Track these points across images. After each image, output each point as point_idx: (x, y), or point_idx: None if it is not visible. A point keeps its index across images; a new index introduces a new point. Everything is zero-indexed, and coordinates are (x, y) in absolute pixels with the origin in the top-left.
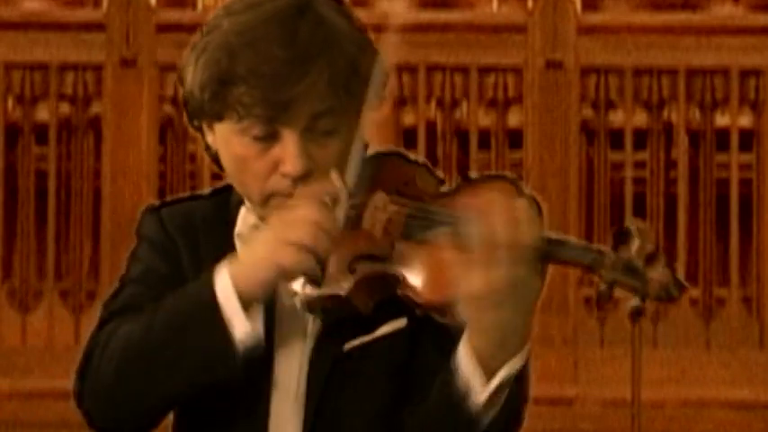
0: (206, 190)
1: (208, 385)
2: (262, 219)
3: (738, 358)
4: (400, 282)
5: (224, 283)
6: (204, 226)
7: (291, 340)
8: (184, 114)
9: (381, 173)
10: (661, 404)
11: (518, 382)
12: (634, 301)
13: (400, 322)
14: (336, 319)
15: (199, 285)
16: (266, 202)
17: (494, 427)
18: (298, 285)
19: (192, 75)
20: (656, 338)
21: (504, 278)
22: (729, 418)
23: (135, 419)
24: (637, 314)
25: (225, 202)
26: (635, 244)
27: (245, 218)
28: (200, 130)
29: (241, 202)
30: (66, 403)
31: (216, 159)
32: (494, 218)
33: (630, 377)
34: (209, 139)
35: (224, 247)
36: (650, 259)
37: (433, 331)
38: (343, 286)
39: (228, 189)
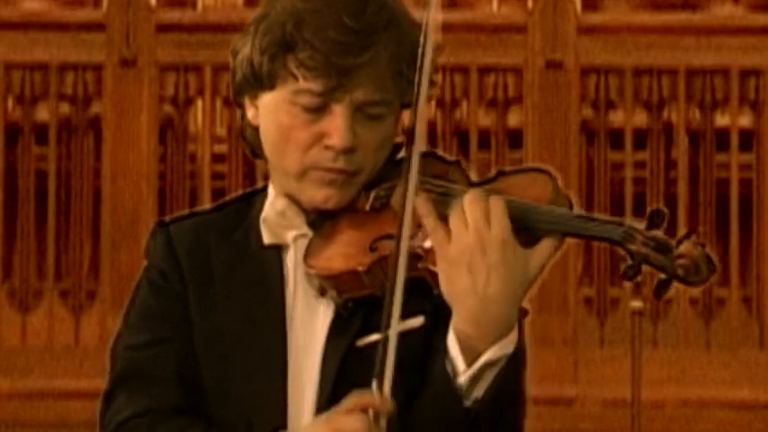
0: (209, 203)
1: None
2: (293, 196)
3: (738, 358)
4: (421, 258)
5: None
6: (216, 238)
7: (305, 341)
8: (231, 88)
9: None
10: (661, 404)
11: (510, 367)
12: (661, 276)
13: (415, 321)
14: (356, 301)
15: None
16: (303, 175)
17: (481, 407)
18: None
19: (251, 42)
20: (656, 338)
21: (472, 237)
22: (729, 418)
23: None
24: (662, 288)
25: (239, 211)
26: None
27: (273, 203)
28: (241, 106)
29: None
30: (66, 403)
31: (252, 144)
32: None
33: (630, 377)
34: (250, 114)
35: (237, 256)
36: (681, 240)
37: (445, 334)
38: (362, 262)
39: (242, 199)
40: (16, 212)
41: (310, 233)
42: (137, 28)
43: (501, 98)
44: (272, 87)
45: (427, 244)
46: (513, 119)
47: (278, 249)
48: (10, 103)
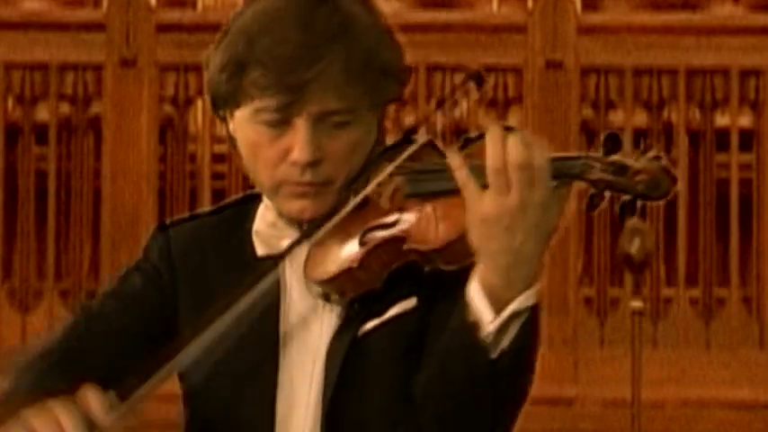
0: (209, 203)
1: None
2: (278, 212)
3: (738, 358)
4: (405, 239)
5: None
6: (214, 241)
7: (305, 336)
8: (209, 104)
9: (388, 155)
10: (661, 404)
11: (530, 320)
12: (624, 197)
13: (409, 303)
14: (353, 300)
15: None
16: (277, 190)
17: (504, 361)
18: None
19: (213, 59)
20: (656, 338)
21: (515, 200)
22: (729, 418)
23: None
24: (628, 210)
25: (239, 214)
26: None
27: (263, 215)
28: (224, 119)
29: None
30: None
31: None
32: (503, 144)
33: (630, 377)
34: (231, 127)
35: (234, 260)
36: (638, 157)
37: (446, 309)
38: (354, 259)
39: (242, 201)
40: (16, 212)
41: (303, 241)
42: (137, 28)
43: (501, 98)
44: (237, 106)
45: (407, 226)
46: (514, 119)
47: (275, 259)
48: (10, 103)
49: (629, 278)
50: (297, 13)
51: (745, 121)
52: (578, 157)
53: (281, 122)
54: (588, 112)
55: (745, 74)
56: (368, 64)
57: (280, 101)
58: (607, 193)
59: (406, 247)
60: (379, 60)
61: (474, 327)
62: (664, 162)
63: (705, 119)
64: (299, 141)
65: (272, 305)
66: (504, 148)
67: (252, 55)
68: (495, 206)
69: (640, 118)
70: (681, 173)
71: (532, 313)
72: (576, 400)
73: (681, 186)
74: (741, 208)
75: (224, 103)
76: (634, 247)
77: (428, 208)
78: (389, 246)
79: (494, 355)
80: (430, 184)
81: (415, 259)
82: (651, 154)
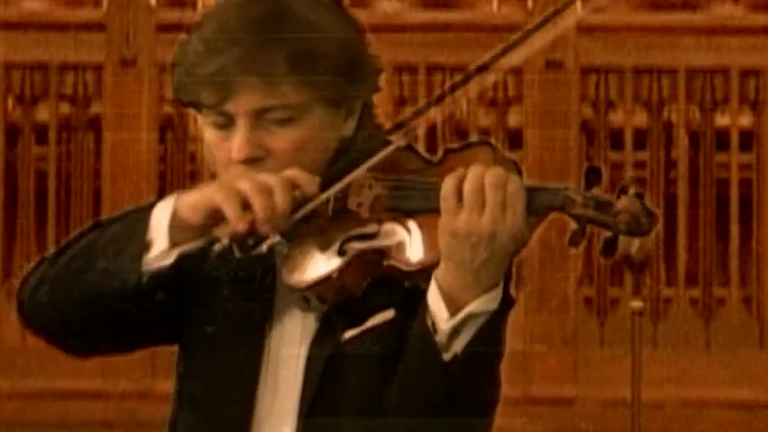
0: None
1: (107, 299)
2: None
3: (738, 358)
4: (386, 255)
5: (162, 207)
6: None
7: (289, 339)
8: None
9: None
10: (661, 404)
11: (488, 325)
12: (606, 234)
13: (389, 313)
14: (333, 306)
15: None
16: None
17: (457, 364)
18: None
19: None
20: (656, 338)
21: (487, 223)
22: (729, 418)
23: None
24: (610, 247)
25: None
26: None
27: None
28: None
29: None
30: (66, 403)
31: None
32: (481, 169)
33: (630, 377)
34: None
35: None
36: (620, 195)
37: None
38: (334, 269)
39: None
40: (16, 212)
41: (284, 242)
42: (137, 28)
43: (501, 98)
44: (195, 109)
45: (389, 242)
46: (513, 119)
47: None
48: (10, 103)
49: (629, 278)
50: (232, 11)
51: (745, 121)
52: (559, 189)
53: (227, 124)
54: (588, 112)
55: (745, 74)
56: (304, 60)
57: (212, 99)
58: (589, 229)
59: (386, 262)
60: (317, 57)
61: (429, 329)
62: (645, 201)
63: (705, 119)
64: (236, 139)
65: (264, 301)
66: (485, 172)
67: (185, 58)
68: (467, 224)
69: (640, 118)
70: (681, 173)
71: (493, 318)
72: (576, 400)
73: (681, 186)
74: (741, 208)
75: (191, 107)
76: (634, 248)
77: (409, 225)
78: (369, 258)
79: (446, 357)
80: (412, 201)
81: (392, 274)
82: (632, 191)
